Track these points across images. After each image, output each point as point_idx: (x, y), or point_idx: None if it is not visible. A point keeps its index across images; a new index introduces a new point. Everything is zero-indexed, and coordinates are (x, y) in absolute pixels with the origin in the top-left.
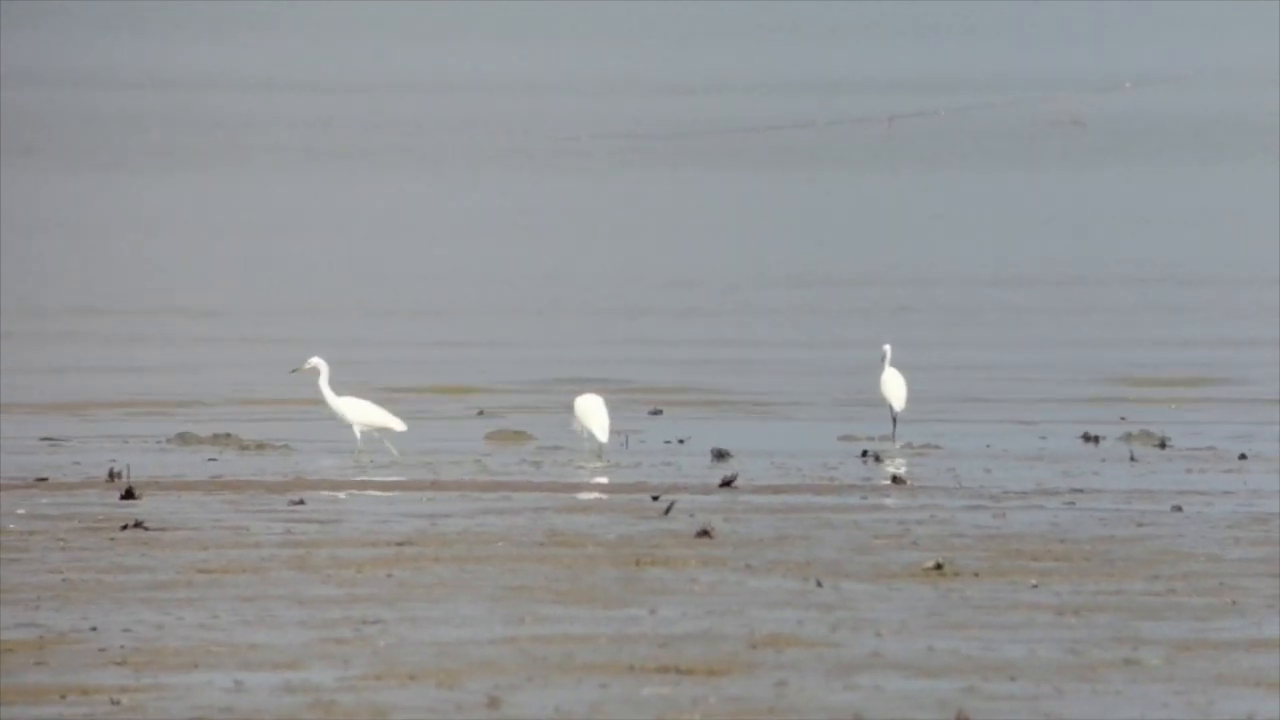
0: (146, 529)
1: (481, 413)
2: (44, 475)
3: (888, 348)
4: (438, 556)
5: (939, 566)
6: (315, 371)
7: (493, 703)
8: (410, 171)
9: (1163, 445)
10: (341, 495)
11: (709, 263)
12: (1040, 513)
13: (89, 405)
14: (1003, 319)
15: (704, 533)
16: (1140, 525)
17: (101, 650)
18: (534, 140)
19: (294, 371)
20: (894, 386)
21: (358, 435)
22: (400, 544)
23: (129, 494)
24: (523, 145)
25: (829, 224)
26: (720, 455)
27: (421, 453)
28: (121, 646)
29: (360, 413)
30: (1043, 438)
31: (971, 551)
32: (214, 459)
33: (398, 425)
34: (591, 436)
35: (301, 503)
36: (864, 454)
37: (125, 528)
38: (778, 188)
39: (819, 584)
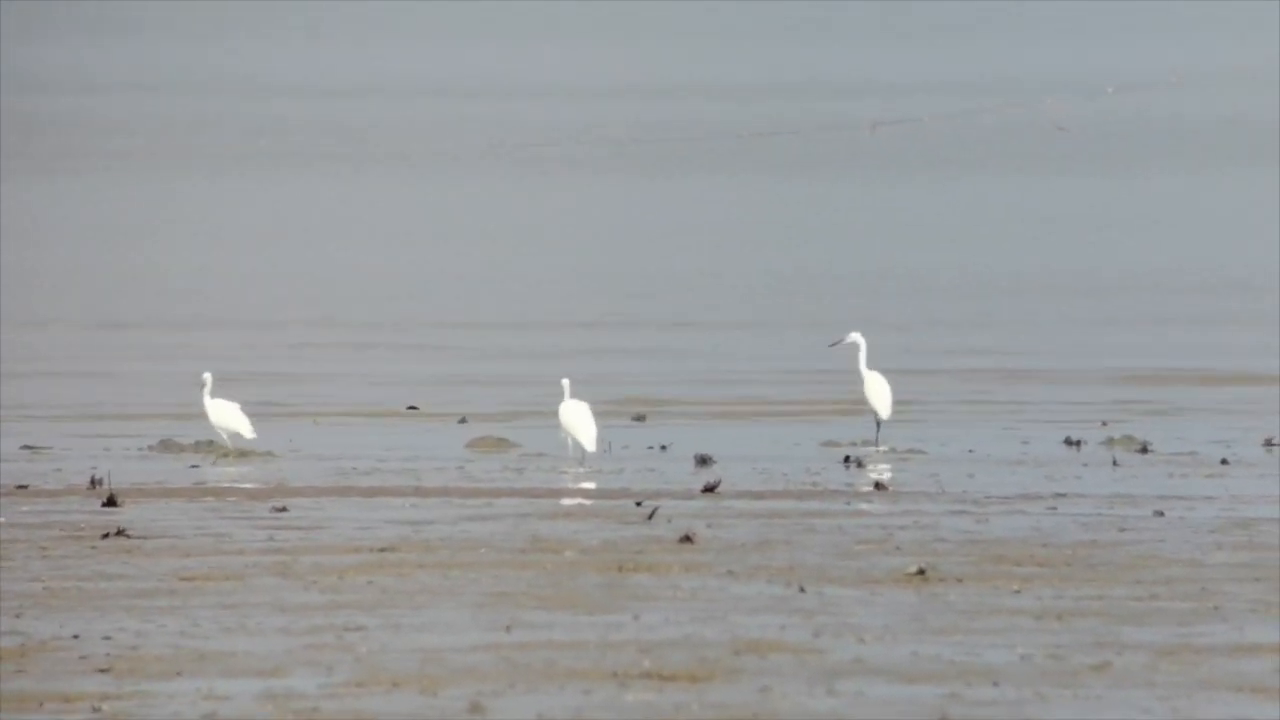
0: (128, 536)
1: (464, 420)
2: (25, 483)
3: (856, 336)
4: (420, 563)
5: (921, 572)
6: (203, 384)
7: (475, 709)
8: (388, 176)
9: (1145, 450)
10: (324, 502)
11: (686, 269)
12: (1022, 518)
13: (71, 414)
14: (985, 323)
15: (687, 538)
16: (1122, 530)
17: (83, 658)
18: (513, 144)
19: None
20: (878, 393)
21: (224, 436)
22: (383, 550)
23: (111, 501)
24: (503, 150)
25: (812, 229)
26: (703, 461)
27: (404, 459)
28: (104, 654)
29: (221, 416)
30: (1024, 442)
31: (954, 556)
32: (196, 466)
33: (247, 432)
34: (577, 444)
35: (284, 509)
36: (846, 459)
37: (107, 535)
38: (761, 193)
39: (801, 589)
